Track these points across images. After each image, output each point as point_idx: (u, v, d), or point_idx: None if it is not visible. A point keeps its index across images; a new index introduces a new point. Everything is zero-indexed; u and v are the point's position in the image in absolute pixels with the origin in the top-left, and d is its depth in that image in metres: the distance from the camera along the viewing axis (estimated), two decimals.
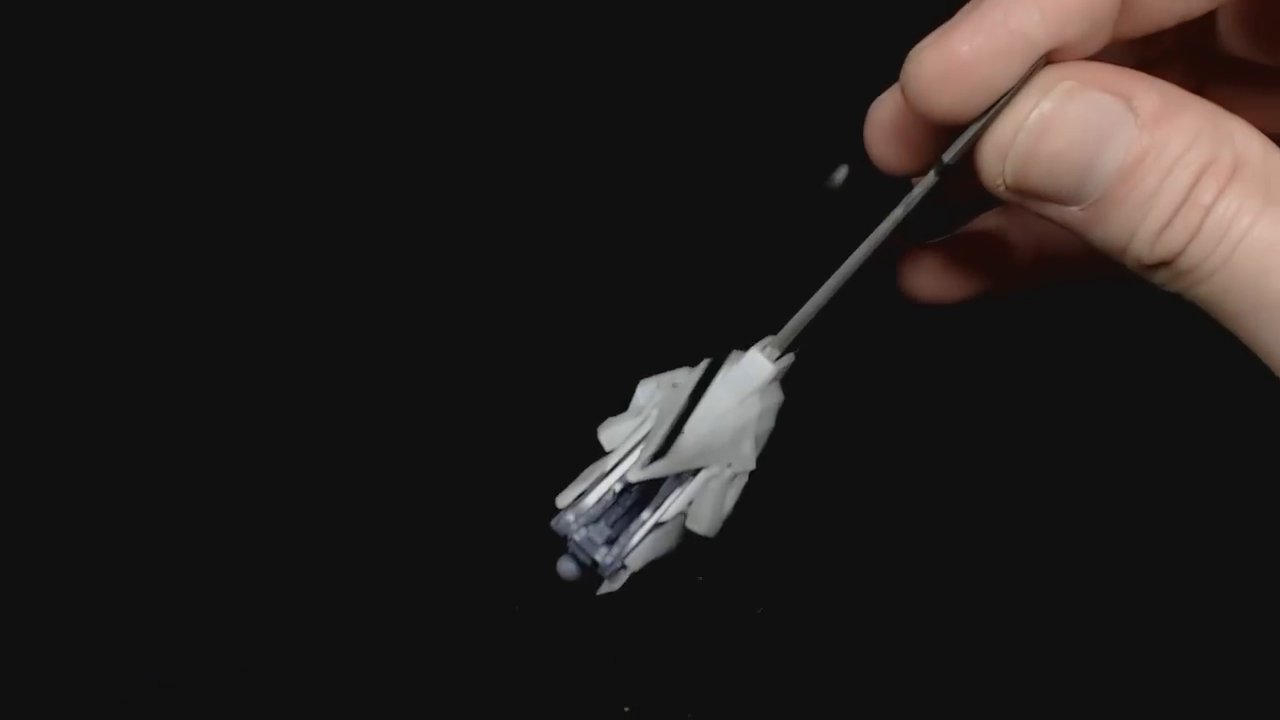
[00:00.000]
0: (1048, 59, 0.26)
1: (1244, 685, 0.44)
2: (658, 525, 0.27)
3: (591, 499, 0.28)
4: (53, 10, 0.48)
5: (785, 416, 0.30)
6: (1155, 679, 0.44)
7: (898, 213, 0.28)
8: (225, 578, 0.45)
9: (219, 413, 0.48)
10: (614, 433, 0.28)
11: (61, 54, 0.49)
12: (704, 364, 0.28)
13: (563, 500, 0.28)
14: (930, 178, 0.27)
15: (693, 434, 0.27)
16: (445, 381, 0.49)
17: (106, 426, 0.48)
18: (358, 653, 0.44)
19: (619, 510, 0.28)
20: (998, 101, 0.26)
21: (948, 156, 0.27)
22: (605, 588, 0.28)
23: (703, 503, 0.27)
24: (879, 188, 0.29)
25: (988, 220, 0.34)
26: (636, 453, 0.28)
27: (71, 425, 0.48)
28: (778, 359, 0.28)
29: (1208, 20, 0.31)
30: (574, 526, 0.27)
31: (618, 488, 0.28)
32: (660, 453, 0.27)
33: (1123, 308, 0.33)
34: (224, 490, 0.47)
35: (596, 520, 0.28)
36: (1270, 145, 0.26)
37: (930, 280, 0.33)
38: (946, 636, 0.45)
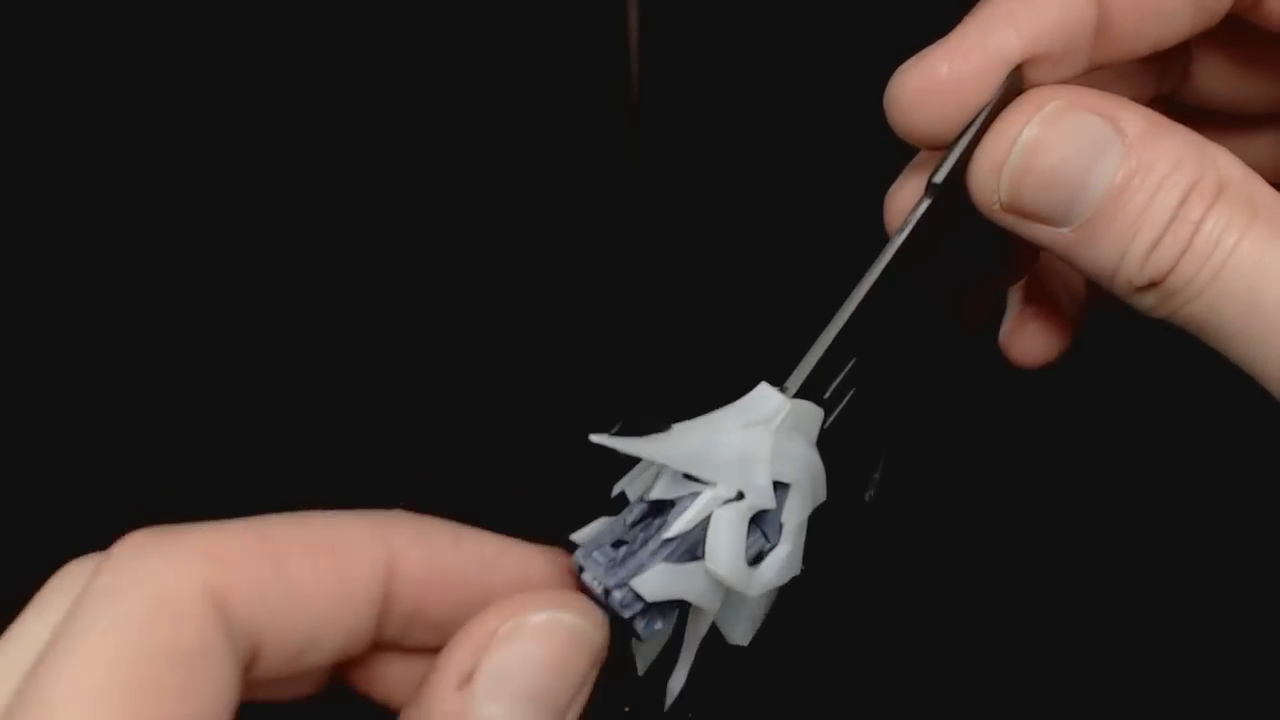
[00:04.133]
0: (1021, 74, 0.27)
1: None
2: (666, 543, 0.26)
3: (600, 522, 0.27)
4: (53, 10, 0.48)
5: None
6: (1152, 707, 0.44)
7: (898, 239, 0.28)
8: None
9: (219, 415, 0.48)
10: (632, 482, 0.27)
11: (61, 54, 0.48)
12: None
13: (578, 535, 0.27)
14: (924, 201, 0.28)
15: (680, 432, 0.27)
16: (451, 381, 0.49)
17: (106, 428, 0.48)
18: None
19: (638, 536, 0.27)
20: (976, 117, 0.27)
21: (936, 177, 0.27)
22: (642, 654, 0.27)
23: (717, 536, 0.26)
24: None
25: (1039, 268, 0.34)
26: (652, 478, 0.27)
27: (70, 427, 0.48)
28: (794, 395, 0.28)
29: (1186, 70, 0.32)
30: (583, 554, 0.27)
31: (631, 515, 0.27)
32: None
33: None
34: (224, 491, 0.47)
35: (608, 545, 0.27)
36: (1251, 171, 0.27)
37: (1039, 343, 0.33)
38: (947, 638, 0.45)
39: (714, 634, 0.29)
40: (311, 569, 0.23)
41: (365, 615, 0.23)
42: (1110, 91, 0.30)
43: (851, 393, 0.30)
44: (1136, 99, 0.31)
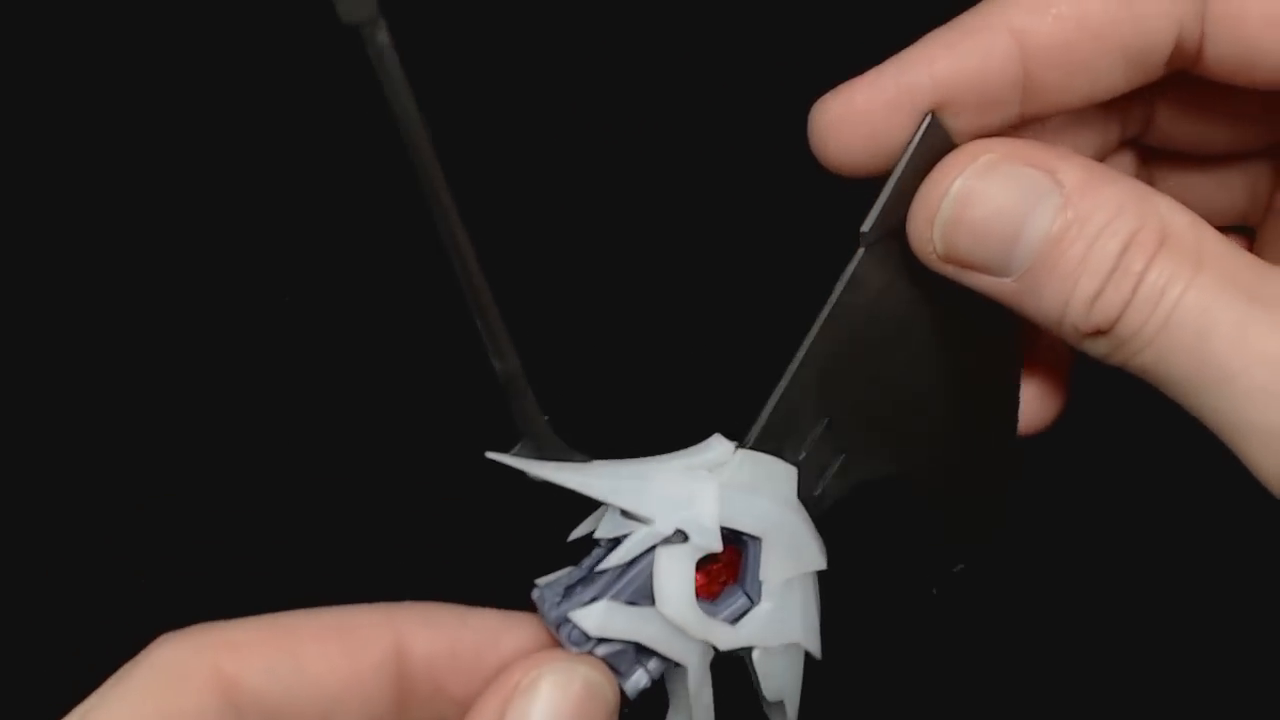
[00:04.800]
0: (942, 124, 0.27)
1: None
2: (611, 580, 0.27)
3: (563, 570, 0.28)
4: (52, 10, 0.48)
5: None
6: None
7: (837, 291, 0.28)
8: (224, 579, 0.46)
9: (220, 417, 0.49)
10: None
11: (61, 54, 0.49)
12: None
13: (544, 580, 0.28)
14: (858, 253, 0.28)
15: (603, 466, 0.27)
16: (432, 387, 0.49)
17: (105, 431, 0.48)
18: None
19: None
20: (896, 166, 0.27)
21: (865, 226, 0.28)
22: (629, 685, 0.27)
23: (660, 575, 0.27)
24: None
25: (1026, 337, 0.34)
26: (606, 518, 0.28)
27: (69, 429, 0.48)
28: (750, 447, 0.28)
29: (1149, 115, 0.32)
30: (537, 594, 0.27)
31: (590, 559, 0.28)
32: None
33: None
34: (223, 495, 0.48)
35: (562, 587, 0.27)
36: (1198, 218, 0.26)
37: (1035, 410, 0.33)
38: (951, 639, 0.45)
39: None
40: (321, 652, 0.25)
41: (378, 693, 0.26)
42: (1070, 136, 0.30)
43: (842, 458, 0.30)
44: (1100, 143, 0.32)
